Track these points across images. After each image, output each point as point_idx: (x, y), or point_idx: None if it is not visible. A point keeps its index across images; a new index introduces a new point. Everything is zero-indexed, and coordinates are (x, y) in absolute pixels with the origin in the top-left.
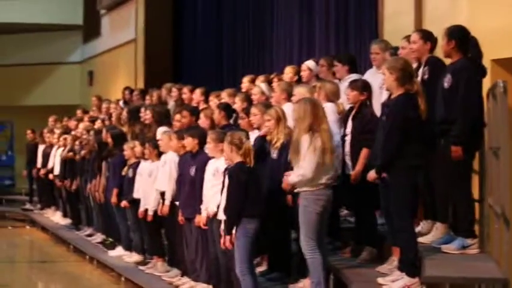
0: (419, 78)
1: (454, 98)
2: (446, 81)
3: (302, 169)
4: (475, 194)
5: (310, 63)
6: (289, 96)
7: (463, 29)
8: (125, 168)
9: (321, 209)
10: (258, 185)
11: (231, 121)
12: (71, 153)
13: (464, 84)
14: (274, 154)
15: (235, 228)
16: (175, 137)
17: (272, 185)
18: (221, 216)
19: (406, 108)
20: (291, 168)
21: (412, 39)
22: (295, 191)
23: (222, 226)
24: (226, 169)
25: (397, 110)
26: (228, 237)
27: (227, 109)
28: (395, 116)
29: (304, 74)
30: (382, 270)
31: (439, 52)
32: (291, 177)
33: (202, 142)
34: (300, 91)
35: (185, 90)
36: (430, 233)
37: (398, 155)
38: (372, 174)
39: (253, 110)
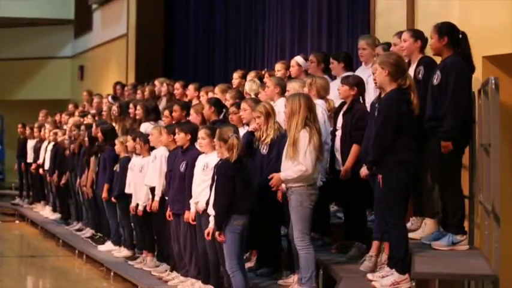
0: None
1: (442, 94)
2: (436, 78)
3: (303, 165)
4: (465, 190)
5: (298, 58)
6: (282, 91)
7: (452, 25)
8: (117, 164)
9: (313, 204)
10: (247, 181)
11: (221, 116)
12: (66, 141)
13: (454, 80)
14: (264, 150)
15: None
16: (165, 131)
17: (262, 181)
18: (211, 211)
19: (399, 103)
20: (279, 165)
21: (402, 38)
22: (286, 186)
23: (211, 221)
24: (216, 165)
25: (390, 104)
26: (217, 233)
27: (217, 104)
28: (388, 110)
29: (293, 69)
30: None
31: (428, 50)
32: (287, 173)
33: (194, 138)
34: (294, 86)
35: (177, 85)
36: (419, 229)
37: (389, 150)
38: (364, 171)
39: (243, 105)
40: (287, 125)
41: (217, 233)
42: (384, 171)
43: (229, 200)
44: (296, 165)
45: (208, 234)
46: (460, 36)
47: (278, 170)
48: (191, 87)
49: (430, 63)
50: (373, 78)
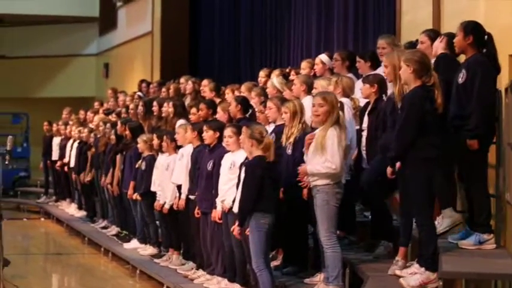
0: None
1: (467, 93)
2: (461, 77)
3: (332, 163)
4: (492, 189)
5: (323, 57)
6: (308, 89)
7: (478, 24)
8: (139, 161)
9: (339, 202)
10: (275, 180)
11: (247, 115)
12: (93, 150)
13: (480, 78)
14: (288, 149)
15: (248, 222)
16: (190, 128)
17: (287, 179)
18: (236, 210)
19: (422, 100)
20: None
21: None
22: (312, 185)
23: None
24: (242, 163)
25: (413, 102)
26: (237, 229)
27: (244, 103)
28: (411, 107)
29: (318, 67)
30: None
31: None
32: (315, 166)
33: (221, 136)
34: (322, 84)
35: (205, 82)
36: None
37: (412, 147)
38: (389, 170)
39: (269, 103)
40: (321, 120)
41: (237, 229)
42: (409, 168)
43: (255, 198)
44: (325, 162)
45: (233, 231)
46: (486, 37)
47: None
48: (207, 88)
49: (444, 58)
50: (383, 72)
